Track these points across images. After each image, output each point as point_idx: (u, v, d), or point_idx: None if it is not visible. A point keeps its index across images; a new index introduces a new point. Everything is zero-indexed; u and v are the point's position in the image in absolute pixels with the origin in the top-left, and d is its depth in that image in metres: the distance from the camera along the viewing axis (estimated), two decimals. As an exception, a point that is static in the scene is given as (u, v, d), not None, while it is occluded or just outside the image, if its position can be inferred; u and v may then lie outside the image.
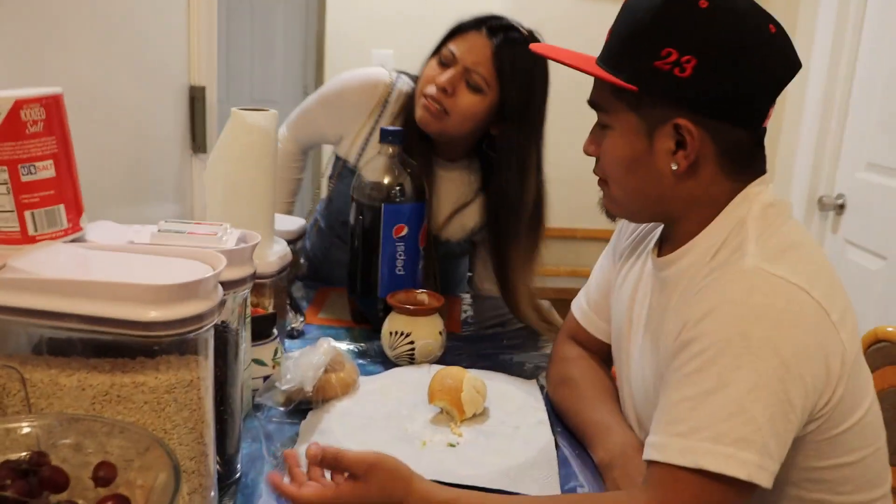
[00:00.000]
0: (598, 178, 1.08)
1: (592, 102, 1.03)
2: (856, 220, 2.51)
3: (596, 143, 1.05)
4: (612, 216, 1.12)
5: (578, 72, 1.00)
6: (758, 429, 0.83)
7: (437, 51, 1.57)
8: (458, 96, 1.51)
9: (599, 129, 1.04)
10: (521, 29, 1.53)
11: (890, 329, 1.42)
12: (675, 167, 0.97)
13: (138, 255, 0.87)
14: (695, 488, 0.85)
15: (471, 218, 1.74)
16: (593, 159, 1.07)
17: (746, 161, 0.99)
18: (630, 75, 0.95)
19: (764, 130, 0.99)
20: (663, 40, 0.92)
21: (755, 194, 0.99)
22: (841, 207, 2.56)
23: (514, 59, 1.49)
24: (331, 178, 1.79)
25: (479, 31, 1.51)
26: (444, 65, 1.52)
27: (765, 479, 0.84)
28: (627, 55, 0.96)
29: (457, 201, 1.71)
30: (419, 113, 1.55)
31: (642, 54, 0.94)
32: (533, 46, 1.08)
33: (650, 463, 0.89)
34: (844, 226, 2.56)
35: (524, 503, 0.93)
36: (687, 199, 1.00)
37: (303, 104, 1.80)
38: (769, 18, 0.94)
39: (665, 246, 1.08)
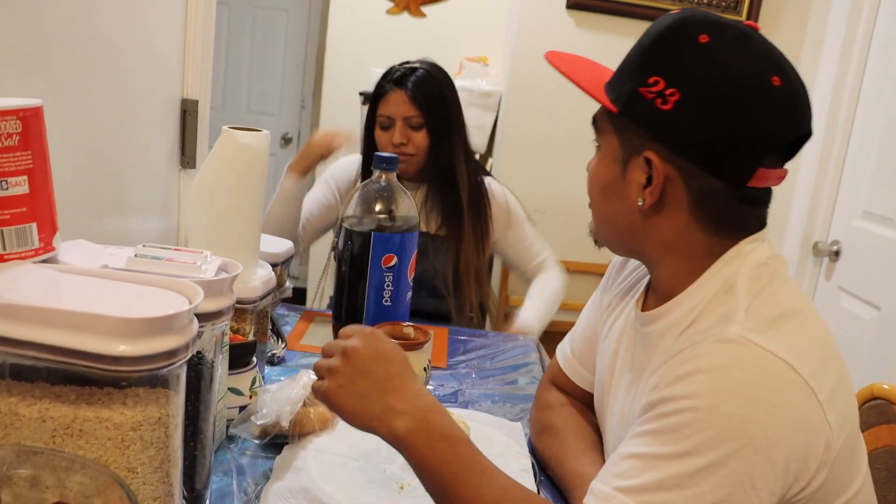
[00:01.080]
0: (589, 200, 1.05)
1: (594, 120, 1.01)
2: (850, 267, 2.49)
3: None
4: (598, 243, 1.07)
5: (579, 96, 0.98)
6: None
7: (371, 122, 1.93)
8: (412, 140, 1.88)
9: (597, 148, 1.02)
10: (412, 64, 1.89)
11: (886, 387, 1.38)
12: (640, 202, 0.93)
13: (111, 281, 0.83)
14: None
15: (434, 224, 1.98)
16: (583, 196, 1.05)
17: (724, 216, 0.92)
18: (616, 97, 0.93)
19: (756, 191, 0.91)
20: (654, 68, 0.89)
21: (747, 252, 0.92)
22: (836, 254, 2.54)
23: (424, 90, 1.87)
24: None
25: (391, 89, 1.88)
26: (386, 128, 1.89)
27: None
28: (621, 77, 0.94)
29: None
30: (400, 168, 1.67)
31: (631, 78, 0.91)
32: (547, 55, 1.04)
33: None
34: (839, 273, 2.54)
35: (504, 482, 0.88)
36: (659, 242, 0.95)
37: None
38: (778, 71, 0.87)
39: (650, 297, 1.04)
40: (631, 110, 0.91)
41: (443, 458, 0.86)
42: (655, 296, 1.02)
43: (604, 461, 1.12)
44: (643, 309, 1.03)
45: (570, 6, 3.09)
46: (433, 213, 1.95)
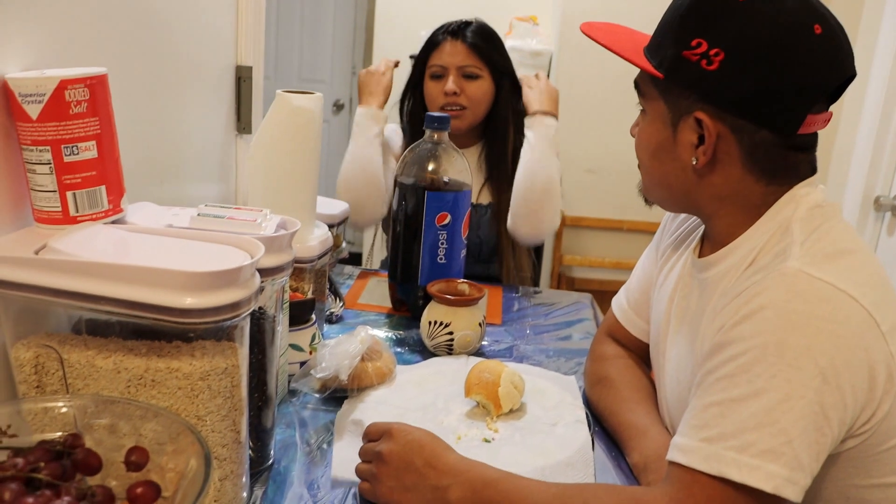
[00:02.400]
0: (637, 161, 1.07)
1: (636, 84, 1.02)
2: (913, 221, 2.43)
3: (638, 125, 1.05)
4: (648, 201, 1.09)
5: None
6: (788, 441, 0.80)
7: (420, 74, 1.90)
8: (465, 91, 1.83)
9: (641, 112, 1.03)
10: (466, 20, 1.86)
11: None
12: (694, 161, 0.94)
13: (177, 239, 0.87)
14: (715, 495, 0.81)
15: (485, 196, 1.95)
16: (635, 155, 1.05)
17: (777, 165, 0.94)
18: (659, 62, 0.94)
19: (805, 136, 0.93)
20: (695, 30, 0.90)
21: (802, 196, 0.94)
22: (898, 208, 2.48)
23: (482, 39, 1.84)
24: None
25: (445, 39, 1.84)
26: (438, 77, 1.85)
27: (793, 494, 0.80)
28: (662, 42, 0.95)
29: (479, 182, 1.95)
30: (452, 126, 1.63)
31: (674, 42, 0.92)
32: (583, 27, 1.05)
33: (672, 463, 0.86)
34: (901, 227, 2.48)
35: (552, 488, 0.90)
36: (714, 196, 0.97)
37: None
38: (818, 18, 0.88)
39: (706, 246, 1.05)
40: (676, 74, 0.92)
41: (492, 501, 0.89)
42: (711, 244, 1.03)
43: (658, 412, 1.14)
44: (700, 256, 1.05)
45: (620, -39, 3.04)
46: (477, 178, 1.92)
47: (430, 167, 1.49)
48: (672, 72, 0.93)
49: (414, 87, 1.93)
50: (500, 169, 1.90)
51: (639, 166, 1.06)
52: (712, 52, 0.89)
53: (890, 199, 2.52)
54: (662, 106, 0.97)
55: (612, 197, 3.34)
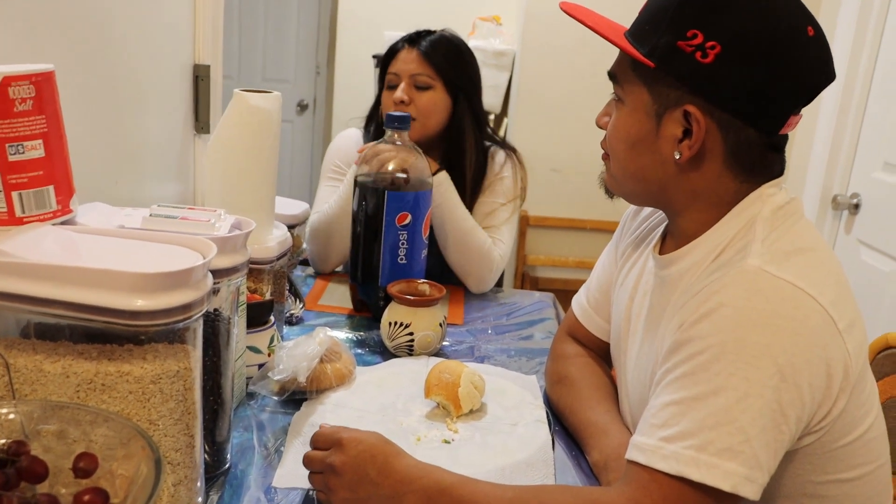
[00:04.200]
0: (602, 152, 1.04)
1: (611, 73, 1.00)
2: (870, 220, 2.47)
3: (608, 115, 1.02)
4: (610, 193, 1.08)
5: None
6: (746, 439, 0.80)
7: (381, 83, 1.83)
8: (415, 101, 1.75)
9: (614, 101, 1.01)
10: (430, 29, 1.80)
11: (901, 335, 1.38)
12: (677, 156, 0.93)
13: (128, 240, 0.85)
14: (673, 494, 0.82)
15: None
16: (599, 153, 1.04)
17: (756, 164, 0.94)
18: (650, 50, 0.91)
19: (782, 137, 0.94)
20: (692, 21, 0.88)
21: (768, 195, 0.94)
22: (855, 207, 2.52)
23: (439, 48, 1.76)
24: None
25: (402, 48, 1.78)
26: (393, 87, 1.78)
27: (750, 492, 0.81)
28: (652, 29, 0.92)
29: None
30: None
31: (667, 31, 0.90)
32: (563, 5, 1.03)
33: (631, 462, 0.86)
34: (858, 226, 2.52)
35: (508, 491, 0.90)
36: (688, 191, 0.96)
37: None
38: (810, 20, 0.89)
39: (668, 242, 1.05)
40: (668, 64, 0.90)
41: None
42: (674, 240, 1.02)
43: (618, 411, 1.14)
44: (661, 253, 1.04)
45: (582, -38, 3.06)
46: None
47: (391, 167, 1.48)
48: (664, 61, 0.90)
49: (380, 100, 1.87)
50: (458, 187, 1.75)
51: (603, 157, 1.04)
52: (709, 44, 0.87)
53: (847, 197, 2.56)
54: (646, 96, 0.94)
55: (575, 196, 3.35)
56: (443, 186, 1.68)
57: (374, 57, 1.88)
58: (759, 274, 0.85)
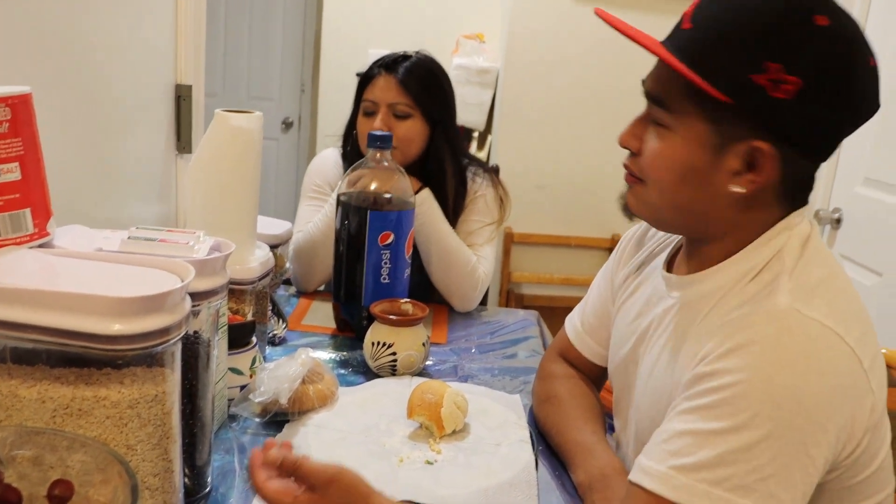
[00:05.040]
0: (627, 173, 0.98)
1: (654, 95, 0.92)
2: (852, 235, 2.49)
3: (639, 137, 0.95)
4: (629, 214, 1.01)
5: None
6: (763, 478, 0.78)
7: (356, 108, 1.80)
8: (395, 130, 1.70)
9: (651, 123, 0.93)
10: (407, 53, 1.77)
11: (884, 351, 1.38)
12: (737, 190, 0.88)
13: (105, 263, 0.84)
14: None
15: None
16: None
17: (800, 192, 0.92)
18: (723, 83, 0.84)
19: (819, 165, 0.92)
20: (769, 52, 0.81)
21: (796, 224, 0.92)
22: (837, 222, 2.53)
23: (416, 75, 1.74)
24: None
25: (379, 74, 1.75)
26: (370, 114, 1.75)
27: None
28: (722, 58, 0.84)
29: None
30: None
31: (741, 62, 0.83)
32: (598, 11, 0.94)
33: (635, 485, 0.85)
34: (840, 240, 2.54)
35: None
36: (731, 222, 0.92)
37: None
38: (871, 51, 0.85)
39: (679, 264, 1.03)
40: (745, 100, 0.84)
41: None
42: (693, 262, 0.99)
43: (604, 432, 1.13)
44: (673, 272, 1.02)
45: (565, -20, 3.08)
46: None
47: (373, 186, 1.48)
48: (738, 95, 0.83)
49: (354, 120, 1.83)
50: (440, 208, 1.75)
51: (629, 179, 0.98)
52: (789, 77, 0.81)
53: (829, 212, 2.57)
54: (704, 126, 0.87)
55: (560, 213, 3.36)
56: (426, 204, 1.68)
57: (357, 75, 1.87)
58: (790, 313, 0.83)
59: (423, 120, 1.75)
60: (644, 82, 0.94)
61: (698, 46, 0.86)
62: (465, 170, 1.85)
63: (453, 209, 1.80)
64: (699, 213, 0.93)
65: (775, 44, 0.82)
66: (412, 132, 1.74)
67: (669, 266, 1.06)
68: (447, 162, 1.79)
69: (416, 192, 1.63)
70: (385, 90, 1.73)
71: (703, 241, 0.97)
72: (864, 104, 0.86)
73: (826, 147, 0.88)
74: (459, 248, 1.73)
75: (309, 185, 1.88)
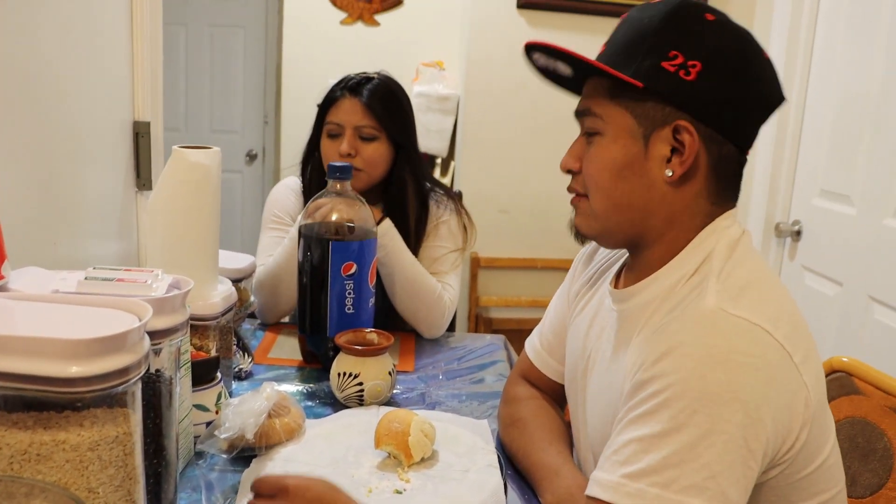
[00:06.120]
0: (572, 196, 1.04)
1: (582, 111, 1.01)
2: (812, 245, 2.53)
3: (577, 157, 1.02)
4: (581, 238, 1.07)
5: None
6: (712, 475, 0.81)
7: (318, 130, 1.81)
8: (361, 152, 1.73)
9: (585, 140, 1.01)
10: (369, 74, 1.78)
11: (845, 359, 1.41)
12: (669, 173, 0.95)
13: (62, 305, 0.84)
14: None
15: None
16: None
17: (730, 182, 0.99)
18: (635, 72, 0.94)
19: (745, 159, 1.00)
20: (671, 43, 0.93)
21: (723, 228, 0.97)
22: (797, 234, 2.58)
23: (379, 96, 1.75)
24: None
25: (343, 96, 1.75)
26: (335, 136, 1.75)
27: None
28: (632, 55, 0.95)
29: None
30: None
31: (649, 54, 0.94)
32: (529, 43, 1.03)
33: (592, 499, 0.86)
34: (801, 252, 2.58)
35: None
36: (667, 216, 0.97)
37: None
38: (762, 48, 0.97)
39: (627, 277, 1.06)
40: (658, 83, 0.93)
41: None
42: (633, 275, 1.04)
43: (571, 452, 1.14)
44: (617, 288, 1.05)
45: (520, 6, 3.12)
46: None
47: (334, 217, 1.49)
48: (651, 80, 0.93)
49: (316, 145, 1.83)
50: (402, 234, 1.74)
51: (574, 200, 1.04)
52: (689, 63, 0.92)
53: (789, 224, 2.62)
54: (629, 119, 0.96)
55: (524, 236, 3.37)
56: (388, 235, 1.68)
57: (318, 106, 1.87)
58: (716, 313, 0.86)
59: (388, 142, 1.76)
60: (575, 112, 1.03)
61: (612, 51, 0.99)
62: (428, 194, 1.86)
63: (415, 233, 1.81)
64: (638, 209, 0.98)
65: (676, 35, 0.94)
66: (377, 154, 1.75)
67: (617, 281, 1.08)
68: (409, 184, 1.81)
69: (378, 223, 1.64)
70: (350, 112, 1.74)
71: (643, 245, 1.02)
72: (764, 87, 0.97)
73: (743, 129, 0.97)
74: (424, 278, 1.73)
75: (269, 216, 1.88)
